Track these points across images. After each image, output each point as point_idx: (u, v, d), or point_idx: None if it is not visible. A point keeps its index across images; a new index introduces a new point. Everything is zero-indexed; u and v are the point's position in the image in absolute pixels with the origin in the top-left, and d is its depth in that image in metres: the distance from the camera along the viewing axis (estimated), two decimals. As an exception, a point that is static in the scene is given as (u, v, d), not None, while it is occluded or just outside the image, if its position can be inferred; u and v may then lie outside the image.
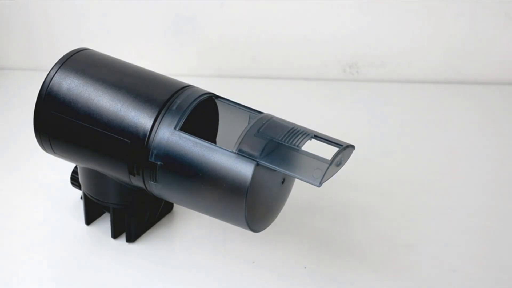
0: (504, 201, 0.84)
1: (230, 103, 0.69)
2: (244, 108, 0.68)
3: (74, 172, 0.77)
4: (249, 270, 0.72)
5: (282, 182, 0.66)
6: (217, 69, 1.17)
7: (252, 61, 1.16)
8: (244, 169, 0.61)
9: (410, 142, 0.98)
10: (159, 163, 0.64)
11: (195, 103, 0.66)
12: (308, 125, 0.65)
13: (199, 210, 0.67)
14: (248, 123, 0.65)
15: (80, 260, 0.72)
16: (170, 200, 0.69)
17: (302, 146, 0.62)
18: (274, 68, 1.17)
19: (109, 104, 0.66)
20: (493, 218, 0.81)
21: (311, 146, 0.62)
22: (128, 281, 0.70)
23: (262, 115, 0.65)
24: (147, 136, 0.65)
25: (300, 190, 0.77)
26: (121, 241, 0.75)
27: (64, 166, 0.83)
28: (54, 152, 0.71)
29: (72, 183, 0.78)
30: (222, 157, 0.62)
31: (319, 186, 0.59)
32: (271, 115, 0.65)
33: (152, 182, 0.66)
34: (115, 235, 0.75)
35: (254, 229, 0.65)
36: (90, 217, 0.77)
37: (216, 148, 0.62)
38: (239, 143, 0.62)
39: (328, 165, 0.59)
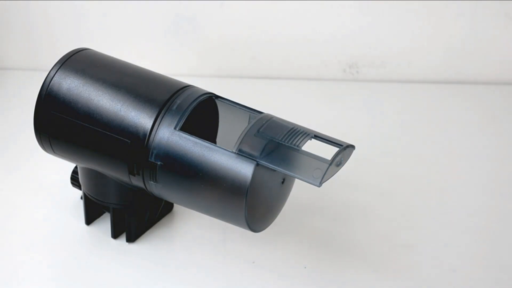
0: (504, 201, 0.84)
1: (230, 103, 0.69)
2: (244, 108, 0.68)
3: (74, 172, 0.77)
4: (249, 270, 0.72)
5: (282, 182, 0.66)
6: (217, 69, 1.17)
7: (252, 61, 1.16)
8: (244, 169, 0.61)
9: (410, 142, 0.98)
10: (159, 163, 0.64)
11: (195, 103, 0.66)
12: (308, 125, 0.65)
13: (199, 210, 0.67)
14: (248, 123, 0.65)
15: (80, 260, 0.72)
16: (170, 200, 0.69)
17: (302, 146, 0.61)
18: (274, 68, 1.17)
19: (109, 104, 0.66)
20: (493, 218, 0.81)
21: (311, 146, 0.62)
22: (128, 281, 0.70)
23: (262, 115, 0.65)
24: (147, 136, 0.65)
25: (300, 190, 0.77)
26: (121, 241, 0.75)
27: (64, 166, 0.82)
28: (54, 152, 0.71)
29: (72, 183, 0.78)
30: (222, 157, 0.62)
31: (319, 186, 0.59)
32: (271, 115, 0.65)
33: (152, 182, 0.66)
34: (115, 235, 0.75)
35: (254, 229, 0.65)
36: (90, 217, 0.77)
37: (216, 148, 0.62)
38: (239, 143, 0.62)
39: (328, 165, 0.59)
